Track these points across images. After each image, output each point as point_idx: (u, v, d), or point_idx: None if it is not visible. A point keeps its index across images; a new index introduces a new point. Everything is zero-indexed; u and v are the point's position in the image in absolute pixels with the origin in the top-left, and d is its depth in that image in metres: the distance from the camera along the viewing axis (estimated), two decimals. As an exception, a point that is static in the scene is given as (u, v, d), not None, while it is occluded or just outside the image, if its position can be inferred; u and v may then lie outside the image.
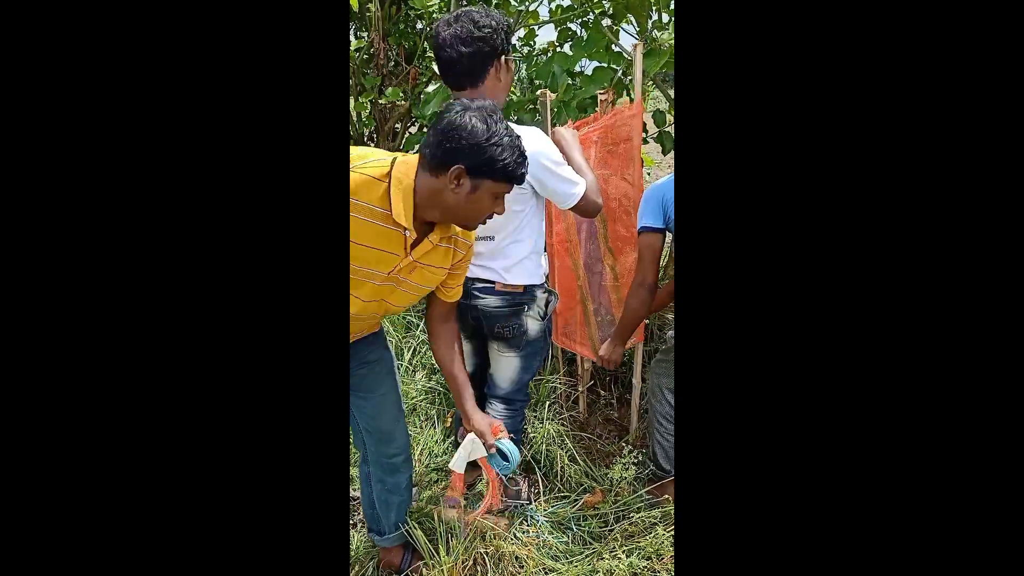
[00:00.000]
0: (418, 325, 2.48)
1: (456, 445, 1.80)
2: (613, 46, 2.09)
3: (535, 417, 1.98)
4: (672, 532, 1.53)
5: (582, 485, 1.81)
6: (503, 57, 1.32)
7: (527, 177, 1.30)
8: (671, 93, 2.26)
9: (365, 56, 2.61)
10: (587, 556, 1.55)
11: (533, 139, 1.29)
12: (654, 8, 2.03)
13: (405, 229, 1.08)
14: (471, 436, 1.37)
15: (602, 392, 2.28)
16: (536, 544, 1.58)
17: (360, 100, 2.65)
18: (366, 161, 1.07)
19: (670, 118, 2.27)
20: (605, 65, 2.06)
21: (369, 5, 2.49)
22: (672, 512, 1.62)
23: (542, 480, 1.83)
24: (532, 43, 2.67)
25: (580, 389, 2.12)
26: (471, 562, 1.51)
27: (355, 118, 2.83)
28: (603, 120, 1.74)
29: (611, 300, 1.92)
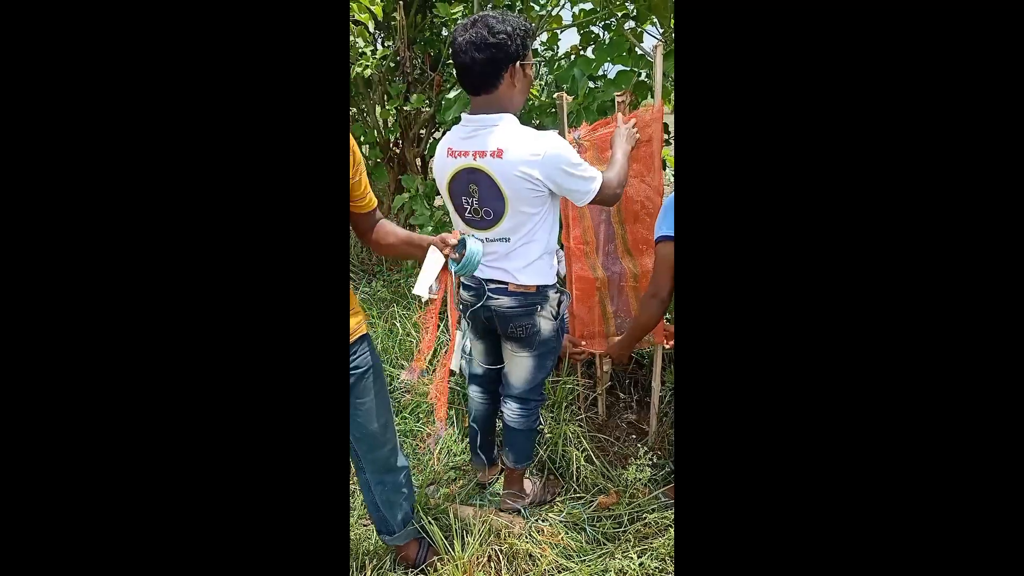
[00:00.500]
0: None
1: (474, 451, 1.81)
2: (636, 49, 2.09)
3: (551, 418, 1.99)
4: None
5: (597, 486, 1.81)
6: (519, 63, 1.34)
7: (544, 179, 1.32)
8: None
9: (391, 64, 2.67)
10: (599, 556, 1.55)
11: (551, 143, 1.32)
12: (677, 8, 2.02)
13: None
14: (430, 249, 1.29)
15: (621, 395, 2.27)
16: (551, 543, 1.59)
17: (386, 107, 2.71)
18: None
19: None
20: (628, 68, 2.07)
21: (394, 14, 2.55)
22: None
23: (560, 478, 1.84)
24: (555, 47, 2.68)
25: (599, 391, 2.12)
26: (485, 558, 1.53)
27: (380, 125, 2.90)
28: (621, 122, 1.74)
29: (630, 303, 1.92)
